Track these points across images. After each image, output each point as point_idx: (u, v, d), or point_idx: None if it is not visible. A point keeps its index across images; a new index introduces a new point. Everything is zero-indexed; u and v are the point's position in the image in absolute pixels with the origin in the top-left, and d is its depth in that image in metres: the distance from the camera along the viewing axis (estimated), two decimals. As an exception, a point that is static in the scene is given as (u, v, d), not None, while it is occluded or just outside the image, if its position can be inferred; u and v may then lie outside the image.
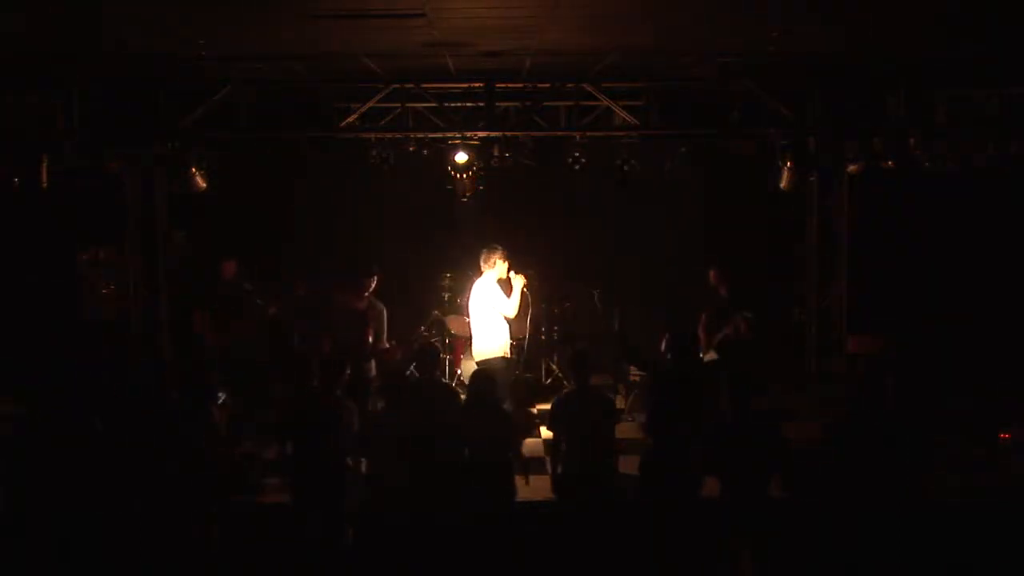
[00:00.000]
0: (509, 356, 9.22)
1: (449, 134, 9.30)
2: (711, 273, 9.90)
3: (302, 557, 6.35)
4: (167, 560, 5.93)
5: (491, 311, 8.85)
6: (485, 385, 6.74)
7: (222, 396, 7.37)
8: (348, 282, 9.18)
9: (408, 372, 8.66)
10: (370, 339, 9.01)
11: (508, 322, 9.04)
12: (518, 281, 8.90)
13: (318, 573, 6.38)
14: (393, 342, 9.32)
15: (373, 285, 9.10)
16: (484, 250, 8.90)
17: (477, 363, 8.73)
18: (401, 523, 6.36)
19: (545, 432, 8.88)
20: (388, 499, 6.44)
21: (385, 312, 9.16)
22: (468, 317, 9.29)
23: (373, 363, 9.14)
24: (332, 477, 6.37)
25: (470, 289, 9.13)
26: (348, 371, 6.65)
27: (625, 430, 9.65)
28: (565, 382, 10.84)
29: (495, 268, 8.88)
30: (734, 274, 9.82)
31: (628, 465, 7.13)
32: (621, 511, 6.63)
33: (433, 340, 11.46)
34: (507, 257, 8.91)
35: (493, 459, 6.59)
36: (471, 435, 6.60)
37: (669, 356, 7.49)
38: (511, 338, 9.29)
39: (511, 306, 8.85)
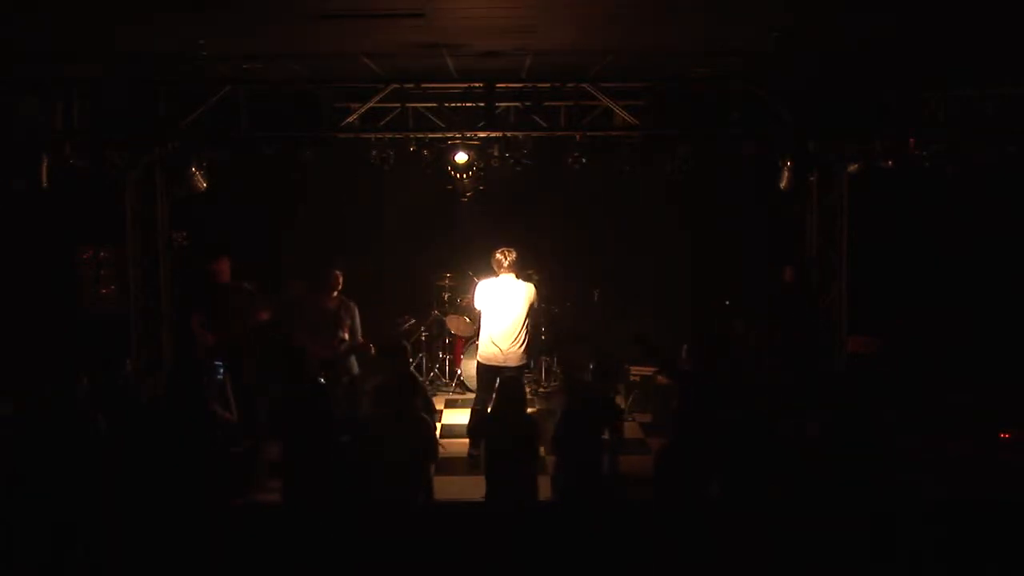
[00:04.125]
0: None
1: (449, 134, 9.29)
2: (788, 270, 9.92)
3: (298, 555, 6.35)
4: (168, 559, 5.93)
5: (523, 314, 8.77)
6: (519, 393, 6.81)
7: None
8: (315, 283, 9.22)
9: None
10: (346, 336, 9.03)
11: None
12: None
13: (315, 571, 6.38)
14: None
15: (339, 283, 9.12)
16: (506, 250, 8.84)
17: (514, 368, 8.61)
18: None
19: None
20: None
21: (356, 308, 9.18)
22: (493, 317, 8.90)
23: (353, 360, 9.17)
24: (322, 473, 6.38)
25: (489, 288, 8.94)
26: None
27: (625, 430, 9.65)
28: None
29: (512, 271, 8.83)
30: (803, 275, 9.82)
31: (628, 465, 7.13)
32: (623, 512, 6.63)
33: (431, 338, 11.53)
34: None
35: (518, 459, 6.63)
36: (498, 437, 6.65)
37: (694, 360, 7.44)
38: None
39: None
